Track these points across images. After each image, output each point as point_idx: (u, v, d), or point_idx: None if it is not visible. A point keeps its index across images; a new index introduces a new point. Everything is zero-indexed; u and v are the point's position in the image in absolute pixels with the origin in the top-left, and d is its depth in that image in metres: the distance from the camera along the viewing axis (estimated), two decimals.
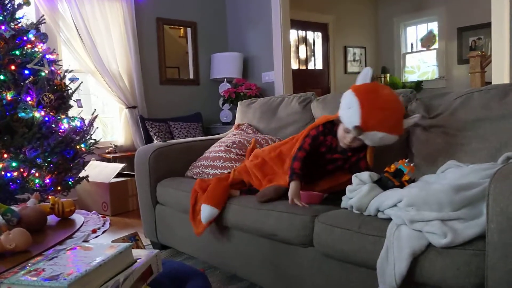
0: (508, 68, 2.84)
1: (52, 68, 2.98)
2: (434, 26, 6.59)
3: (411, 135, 1.90)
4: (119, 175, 3.59)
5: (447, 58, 6.35)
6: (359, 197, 1.39)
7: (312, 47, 6.30)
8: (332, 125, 1.74)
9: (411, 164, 1.45)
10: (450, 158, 1.57)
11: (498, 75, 2.88)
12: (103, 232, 2.92)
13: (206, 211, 1.80)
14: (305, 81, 5.88)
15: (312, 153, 1.74)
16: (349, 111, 1.58)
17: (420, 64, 6.85)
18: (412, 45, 6.94)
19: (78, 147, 3.06)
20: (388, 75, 6.91)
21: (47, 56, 2.94)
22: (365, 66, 6.87)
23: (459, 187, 1.22)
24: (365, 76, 1.64)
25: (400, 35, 6.96)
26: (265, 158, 1.93)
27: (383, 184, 1.43)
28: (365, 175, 1.48)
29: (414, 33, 6.92)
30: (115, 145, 4.16)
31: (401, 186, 1.41)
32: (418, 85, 6.36)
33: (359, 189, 1.43)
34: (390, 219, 1.30)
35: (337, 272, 1.44)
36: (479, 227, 1.13)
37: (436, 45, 6.58)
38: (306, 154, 1.72)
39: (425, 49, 6.75)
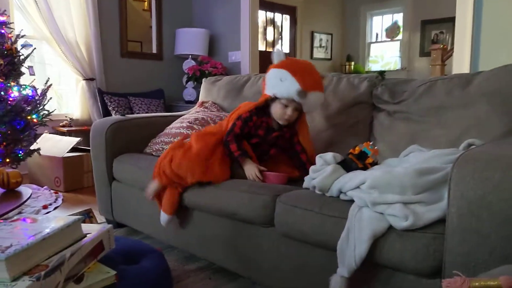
0: (468, 61, 2.91)
1: (2, 31, 2.77)
2: (399, 17, 6.71)
3: (375, 120, 1.91)
4: (73, 149, 3.42)
5: (410, 50, 6.50)
6: (322, 178, 1.37)
7: (280, 30, 6.25)
8: (261, 108, 1.76)
9: (375, 147, 1.45)
10: (412, 144, 1.58)
11: (459, 68, 2.95)
12: (55, 208, 2.81)
13: (164, 218, 1.77)
14: (271, 64, 5.83)
15: (246, 136, 1.75)
16: (284, 83, 1.65)
17: (384, 54, 6.97)
18: (377, 35, 7.04)
19: (29, 117, 2.87)
20: (352, 63, 6.99)
21: None
22: (331, 53, 6.93)
23: (421, 171, 1.22)
24: (279, 55, 1.74)
25: (366, 24, 7.03)
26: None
27: (347, 165, 1.41)
28: (329, 155, 1.46)
29: (379, 23, 7.02)
30: (70, 118, 3.96)
31: (365, 168, 1.40)
32: (380, 75, 6.47)
33: (322, 170, 1.40)
34: (352, 201, 1.29)
35: (297, 252, 1.43)
36: (439, 211, 1.13)
37: (400, 36, 6.71)
38: (239, 135, 1.72)
39: (389, 39, 6.87)
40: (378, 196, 1.21)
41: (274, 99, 1.71)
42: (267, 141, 1.78)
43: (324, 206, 1.33)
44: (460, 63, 2.95)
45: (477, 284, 0.73)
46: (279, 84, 1.66)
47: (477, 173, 1.00)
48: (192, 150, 1.71)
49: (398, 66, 6.68)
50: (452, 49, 4.06)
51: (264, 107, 1.76)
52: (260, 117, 1.75)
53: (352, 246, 1.19)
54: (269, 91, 1.72)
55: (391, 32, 6.82)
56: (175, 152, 1.72)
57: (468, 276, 0.75)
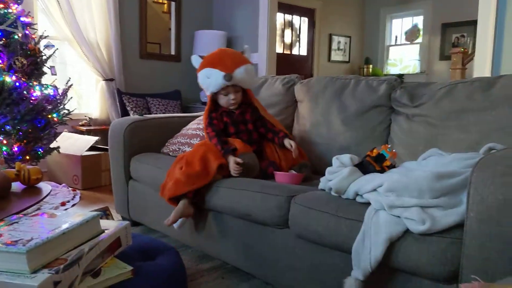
0: (490, 65, 2.86)
1: (26, 32, 2.84)
2: (419, 20, 6.62)
3: (393, 123, 1.89)
4: (92, 148, 3.48)
5: (430, 53, 6.40)
6: (338, 180, 1.37)
7: (298, 32, 6.24)
8: (212, 107, 1.94)
9: (393, 150, 1.43)
10: (431, 148, 1.56)
11: (480, 72, 2.90)
12: (73, 205, 2.85)
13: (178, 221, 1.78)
14: (289, 66, 5.83)
15: (225, 130, 1.90)
16: (211, 78, 1.82)
17: (403, 57, 6.90)
18: (396, 37, 6.96)
19: (50, 116, 2.94)
20: (370, 66, 6.93)
21: (22, 19, 2.80)
22: (349, 55, 6.89)
23: (440, 175, 1.20)
24: (196, 60, 1.94)
25: (385, 27, 6.96)
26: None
27: (364, 168, 1.40)
28: (346, 157, 1.45)
29: (399, 25, 6.94)
30: (89, 118, 4.03)
31: (382, 171, 1.39)
32: (399, 78, 6.41)
33: (339, 172, 1.40)
34: (368, 204, 1.28)
35: (311, 254, 1.42)
36: (458, 215, 1.11)
37: (419, 39, 6.62)
38: (218, 135, 1.84)
39: (409, 42, 6.79)
40: (395, 199, 1.20)
41: (215, 94, 1.89)
42: (238, 121, 1.91)
43: (340, 208, 1.32)
44: (481, 67, 2.89)
45: None
46: (209, 81, 1.84)
47: (497, 177, 0.98)
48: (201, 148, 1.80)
49: (417, 70, 6.59)
50: (473, 52, 4.00)
51: (215, 105, 1.94)
52: (217, 111, 1.93)
53: (368, 249, 1.18)
54: (208, 92, 1.90)
55: (411, 35, 6.74)
56: (188, 155, 1.78)
57: (486, 282, 0.73)
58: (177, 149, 2.23)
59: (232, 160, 1.71)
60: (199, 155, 1.71)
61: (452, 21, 6.02)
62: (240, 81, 1.85)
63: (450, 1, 5.96)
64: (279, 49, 5.81)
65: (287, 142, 1.82)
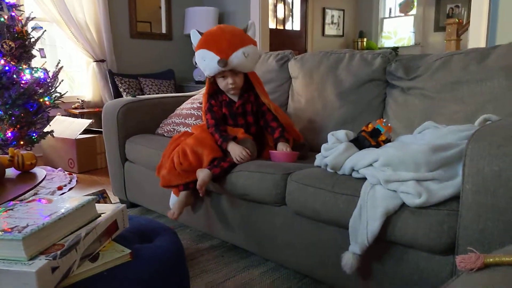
0: (485, 36, 2.83)
1: (13, 14, 2.77)
2: None
3: (389, 97, 1.88)
4: (86, 131, 3.45)
5: (424, 25, 6.34)
6: (334, 156, 1.36)
7: (290, 7, 6.14)
8: (211, 89, 1.83)
9: (389, 124, 1.43)
10: (427, 120, 1.55)
11: (475, 42, 2.87)
12: (70, 189, 2.85)
13: (174, 200, 1.79)
14: (282, 42, 5.76)
15: (223, 118, 1.81)
16: (206, 61, 1.69)
17: (397, 30, 6.82)
18: (390, 10, 6.87)
19: (41, 100, 2.90)
20: (365, 39, 6.86)
21: (6, 0, 2.72)
22: (343, 29, 6.80)
23: (436, 147, 1.20)
24: (194, 36, 1.78)
25: None
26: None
27: (360, 143, 1.40)
28: (341, 133, 1.45)
29: None
30: (82, 100, 3.99)
31: (378, 146, 1.39)
32: (394, 51, 6.36)
33: (335, 148, 1.39)
34: (364, 179, 1.28)
35: (309, 230, 1.43)
36: (453, 187, 1.12)
37: (414, 11, 6.54)
38: (216, 123, 1.76)
39: (403, 14, 6.70)
40: (391, 173, 1.20)
41: (212, 77, 1.77)
42: (237, 114, 1.80)
43: (336, 184, 1.33)
44: (476, 38, 2.86)
45: (491, 260, 0.72)
46: (205, 64, 1.71)
47: (493, 148, 0.98)
48: (198, 135, 1.76)
49: (412, 42, 6.53)
50: (467, 23, 3.95)
51: (214, 89, 1.82)
52: (216, 98, 1.81)
53: (365, 224, 1.18)
54: (205, 74, 1.77)
55: (405, 6, 6.65)
56: (184, 141, 1.75)
57: (482, 253, 0.74)
58: (172, 129, 2.21)
59: (237, 147, 1.65)
60: (192, 147, 1.67)
61: None
62: (238, 66, 1.70)
63: None
64: (271, 24, 5.73)
65: (281, 147, 1.73)
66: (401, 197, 1.16)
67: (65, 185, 2.84)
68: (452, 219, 1.08)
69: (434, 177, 1.16)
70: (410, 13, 6.60)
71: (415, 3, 6.49)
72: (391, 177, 1.19)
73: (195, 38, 1.78)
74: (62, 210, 0.88)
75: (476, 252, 0.74)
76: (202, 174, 1.61)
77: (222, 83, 1.77)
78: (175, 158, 1.70)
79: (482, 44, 2.79)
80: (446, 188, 1.13)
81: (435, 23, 6.19)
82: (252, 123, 1.82)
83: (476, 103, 1.55)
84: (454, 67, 1.66)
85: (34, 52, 2.93)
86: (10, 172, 1.60)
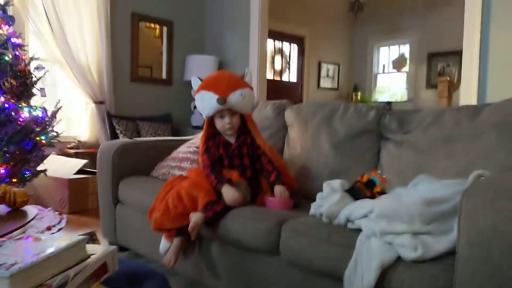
0: (475, 94, 2.92)
1: (17, 53, 2.83)
2: (406, 49, 6.79)
3: (382, 149, 1.90)
4: (80, 171, 3.43)
5: (416, 82, 6.54)
6: (329, 205, 1.36)
7: (288, 59, 6.34)
8: (209, 131, 1.88)
9: (383, 176, 1.44)
10: (420, 174, 1.57)
11: (466, 100, 2.96)
12: (59, 229, 2.78)
13: (164, 245, 1.78)
14: (279, 92, 5.88)
15: (219, 160, 1.84)
16: (205, 101, 1.78)
17: (390, 85, 7.03)
18: (384, 66, 7.11)
19: (38, 138, 2.90)
20: (359, 93, 7.03)
21: (12, 40, 2.80)
22: (338, 82, 6.99)
23: (430, 200, 1.21)
24: (195, 81, 1.88)
25: (373, 55, 7.12)
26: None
27: (355, 193, 1.40)
28: (336, 183, 1.45)
29: (386, 54, 7.10)
30: (78, 141, 3.98)
31: (372, 197, 1.39)
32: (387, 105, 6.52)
33: (330, 197, 1.39)
34: (359, 230, 1.27)
35: (303, 281, 1.40)
36: (449, 242, 1.11)
37: (406, 68, 6.77)
38: (212, 164, 1.79)
39: (396, 71, 6.93)
40: (386, 225, 1.19)
41: (211, 119, 1.84)
42: (233, 156, 1.83)
43: (331, 234, 1.31)
44: (468, 96, 2.95)
45: None
46: (203, 104, 1.79)
47: (487, 203, 0.99)
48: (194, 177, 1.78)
49: (405, 98, 6.71)
50: (458, 81, 4.09)
51: (212, 131, 1.88)
52: (214, 140, 1.86)
53: (360, 276, 1.16)
54: (204, 115, 1.85)
55: (398, 63, 6.89)
56: (179, 184, 1.76)
57: None
58: (167, 172, 2.21)
59: (230, 190, 1.65)
60: (188, 190, 1.68)
61: (437, 51, 6.18)
62: (235, 106, 1.77)
63: (436, 31, 6.13)
64: (269, 75, 5.88)
65: (278, 189, 1.72)
66: (397, 250, 1.14)
67: (54, 225, 2.77)
68: (447, 274, 1.06)
69: (429, 231, 1.16)
70: (403, 70, 6.83)
71: (408, 61, 6.73)
72: (386, 228, 1.18)
73: (196, 84, 1.87)
74: (52, 249, 0.86)
75: None
76: (195, 217, 1.59)
77: (219, 124, 1.82)
78: (170, 201, 1.68)
79: (473, 101, 2.88)
80: (442, 242, 1.12)
81: (427, 80, 6.40)
82: (247, 165, 1.84)
83: (467, 158, 1.58)
84: (446, 123, 1.70)
85: (34, 91, 2.97)
86: (1, 208, 1.58)
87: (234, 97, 1.75)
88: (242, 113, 1.85)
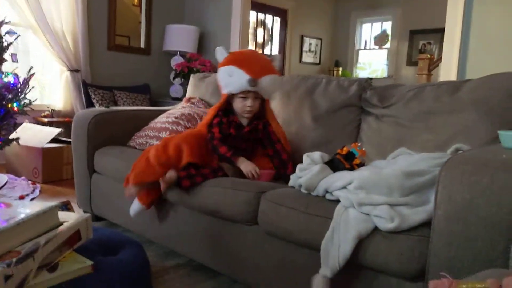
0: (455, 71, 2.95)
1: None
2: (388, 26, 6.77)
3: (363, 122, 1.90)
4: (54, 140, 3.34)
5: (397, 58, 6.56)
6: (309, 177, 1.35)
7: (270, 32, 6.24)
8: (225, 107, 1.78)
9: (363, 149, 1.44)
10: (400, 147, 1.58)
11: (446, 77, 2.98)
12: (32, 199, 2.73)
13: (137, 207, 1.72)
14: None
15: (225, 138, 1.75)
16: (233, 77, 1.68)
17: (372, 62, 7.03)
18: (366, 42, 7.09)
19: (9, 105, 2.79)
20: (340, 69, 7.02)
21: None
22: (320, 57, 6.95)
23: (409, 173, 1.21)
24: (221, 52, 1.77)
25: (355, 31, 7.08)
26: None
27: (334, 165, 1.40)
28: (316, 155, 1.45)
29: (369, 30, 7.08)
30: (52, 109, 3.87)
31: (352, 169, 1.39)
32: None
33: (309, 169, 1.39)
34: (338, 201, 1.27)
35: (280, 251, 1.40)
36: (425, 213, 1.12)
37: (388, 45, 6.77)
38: (223, 138, 1.73)
39: (378, 47, 6.93)
40: (364, 196, 1.20)
41: (232, 96, 1.75)
42: (241, 137, 1.77)
43: (309, 205, 1.31)
44: (447, 73, 2.98)
45: (464, 286, 0.72)
46: (230, 80, 1.70)
47: (465, 176, 1.00)
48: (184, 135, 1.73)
49: (385, 74, 6.74)
50: (439, 59, 4.12)
51: (227, 107, 1.78)
52: (227, 117, 1.77)
53: (337, 246, 1.17)
54: (224, 90, 1.75)
55: (380, 40, 6.88)
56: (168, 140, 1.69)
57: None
58: (145, 142, 2.16)
59: (250, 163, 1.65)
60: (177, 142, 1.63)
61: (419, 28, 6.19)
62: (263, 90, 1.71)
63: (418, 9, 6.13)
64: (251, 47, 5.79)
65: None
66: (374, 221, 1.15)
67: (28, 195, 2.71)
68: (423, 245, 1.08)
69: (407, 202, 1.17)
70: (384, 46, 6.83)
71: (390, 37, 6.73)
72: (365, 200, 1.18)
73: (222, 55, 1.77)
74: (22, 215, 0.83)
75: (449, 278, 0.74)
76: (170, 175, 1.58)
77: (239, 104, 1.74)
78: (152, 152, 1.64)
79: (453, 78, 2.90)
80: (418, 213, 1.13)
81: (407, 57, 6.42)
82: (249, 150, 1.80)
83: (447, 133, 1.59)
84: (426, 98, 1.70)
85: (6, 56, 2.84)
86: None
87: (265, 82, 1.69)
88: (265, 97, 1.79)
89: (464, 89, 1.64)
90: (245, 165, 1.65)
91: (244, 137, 1.78)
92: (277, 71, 1.78)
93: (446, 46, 2.99)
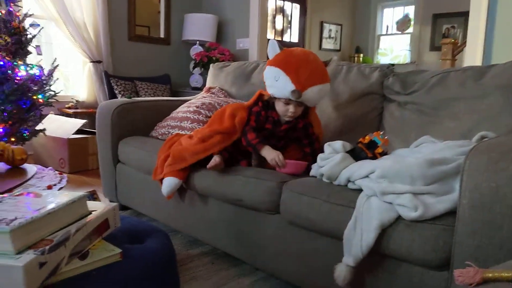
0: (481, 56, 2.87)
1: (10, 9, 2.74)
2: (410, 10, 6.61)
3: (385, 110, 1.88)
4: (79, 131, 3.42)
5: (420, 44, 6.42)
6: (330, 166, 1.35)
7: (289, 19, 6.18)
8: (268, 102, 1.70)
9: (385, 137, 1.42)
10: (422, 135, 1.56)
11: (470, 62, 2.90)
12: (60, 189, 2.81)
13: (172, 183, 1.71)
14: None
15: (260, 131, 1.68)
16: (278, 82, 1.58)
17: (393, 47, 6.90)
18: (387, 27, 6.95)
19: (35, 97, 2.87)
20: (361, 55, 6.92)
21: None
22: (340, 44, 6.86)
23: (433, 161, 1.19)
24: (273, 48, 1.65)
25: (376, 16, 6.95)
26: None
27: (356, 154, 1.39)
28: (338, 144, 1.44)
29: (390, 15, 6.93)
30: (76, 100, 3.95)
31: (374, 158, 1.38)
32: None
33: (331, 158, 1.38)
34: (360, 190, 1.27)
35: (302, 240, 1.41)
36: (450, 202, 1.11)
37: (410, 30, 6.62)
38: (256, 128, 1.66)
39: (400, 32, 6.78)
40: (387, 185, 1.19)
41: (274, 97, 1.66)
42: (276, 134, 1.70)
43: (331, 195, 1.31)
44: (472, 57, 2.90)
45: (490, 275, 0.71)
46: (275, 84, 1.60)
47: (491, 164, 0.98)
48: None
49: (408, 60, 6.61)
50: (463, 43, 4.01)
51: (268, 101, 1.70)
52: (266, 112, 1.69)
53: (359, 235, 1.17)
54: (268, 90, 1.66)
55: (402, 25, 6.73)
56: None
57: None
58: (167, 132, 2.19)
59: (274, 151, 1.58)
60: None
61: (443, 11, 6.02)
62: (308, 101, 1.61)
63: None
64: (270, 35, 5.75)
65: None
66: (397, 210, 1.15)
67: (55, 185, 2.79)
68: (447, 234, 1.07)
69: (430, 191, 1.15)
70: (407, 31, 6.68)
71: (412, 22, 6.57)
72: (387, 189, 1.18)
73: (274, 50, 1.66)
74: (52, 205, 0.86)
75: (475, 267, 0.73)
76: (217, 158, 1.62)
77: (281, 107, 1.64)
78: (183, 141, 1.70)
79: (478, 63, 2.83)
80: (442, 202, 1.12)
81: (430, 42, 6.27)
82: (281, 147, 1.70)
83: (472, 120, 1.56)
84: (450, 84, 1.67)
85: (30, 48, 2.91)
86: (0, 166, 1.57)
87: (312, 93, 1.58)
88: (309, 106, 1.69)
89: (490, 74, 1.60)
90: (269, 153, 1.59)
91: (280, 135, 1.71)
92: (328, 77, 1.65)
93: (470, 30, 2.90)
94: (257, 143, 1.62)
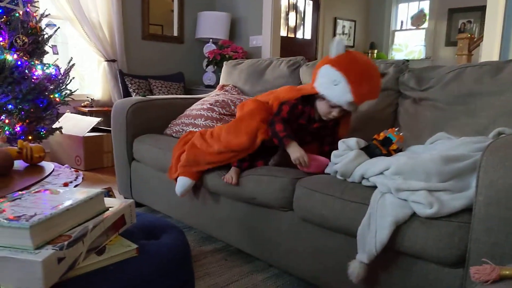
0: (498, 51, 2.82)
1: (28, 9, 2.79)
2: (425, 5, 6.53)
3: (400, 106, 1.86)
4: (94, 129, 3.47)
5: (435, 39, 6.33)
6: (344, 163, 1.35)
7: (302, 16, 6.16)
8: (307, 96, 1.62)
9: (400, 134, 1.41)
10: (438, 132, 1.54)
11: (487, 57, 2.85)
12: (76, 186, 2.85)
13: (185, 183, 1.74)
14: (293, 50, 5.76)
15: (290, 124, 1.61)
16: (337, 88, 1.48)
17: (408, 43, 6.82)
18: (402, 22, 6.87)
19: (52, 96, 2.92)
20: (375, 51, 6.85)
21: None
22: (354, 40, 6.81)
23: (448, 158, 1.18)
24: (338, 46, 1.53)
25: (391, 11, 6.87)
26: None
27: (370, 151, 1.38)
28: (352, 141, 1.43)
29: (405, 10, 6.85)
30: (91, 99, 4.00)
31: (388, 154, 1.37)
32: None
33: (345, 155, 1.38)
34: (374, 187, 1.27)
35: (315, 237, 1.41)
36: (466, 199, 1.10)
37: (425, 25, 6.53)
38: (287, 120, 1.59)
39: (415, 27, 6.70)
40: (402, 182, 1.18)
41: (319, 95, 1.57)
42: (308, 130, 1.66)
43: (345, 192, 1.31)
44: (489, 52, 2.85)
45: (507, 272, 0.71)
46: (331, 87, 1.50)
47: (508, 161, 0.97)
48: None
49: (423, 55, 6.52)
50: (480, 38, 3.94)
51: (309, 96, 1.62)
52: (304, 107, 1.62)
53: (373, 232, 1.17)
54: (319, 89, 1.55)
55: (417, 20, 6.65)
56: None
57: None
58: (181, 130, 2.21)
59: (300, 150, 1.51)
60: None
61: (459, 6, 5.93)
62: (355, 110, 1.58)
63: None
64: (283, 32, 5.73)
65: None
66: (412, 207, 1.14)
67: (71, 182, 2.84)
68: (463, 231, 1.06)
69: (446, 188, 1.14)
70: (422, 26, 6.60)
71: (427, 17, 6.49)
72: (402, 185, 1.17)
73: (338, 48, 1.53)
74: (70, 202, 0.88)
75: (491, 264, 0.73)
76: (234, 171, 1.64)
77: (324, 108, 1.57)
78: (197, 142, 1.70)
79: (495, 58, 2.78)
80: (458, 199, 1.11)
81: (446, 37, 6.18)
82: (308, 142, 1.68)
83: (488, 116, 1.53)
84: (466, 79, 1.65)
85: (46, 48, 2.96)
86: (18, 164, 1.60)
87: (366, 105, 1.55)
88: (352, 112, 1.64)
89: (507, 70, 1.57)
90: (294, 151, 1.51)
91: (311, 132, 1.67)
92: (378, 93, 1.58)
93: (487, 24, 2.86)
94: (284, 137, 1.53)
